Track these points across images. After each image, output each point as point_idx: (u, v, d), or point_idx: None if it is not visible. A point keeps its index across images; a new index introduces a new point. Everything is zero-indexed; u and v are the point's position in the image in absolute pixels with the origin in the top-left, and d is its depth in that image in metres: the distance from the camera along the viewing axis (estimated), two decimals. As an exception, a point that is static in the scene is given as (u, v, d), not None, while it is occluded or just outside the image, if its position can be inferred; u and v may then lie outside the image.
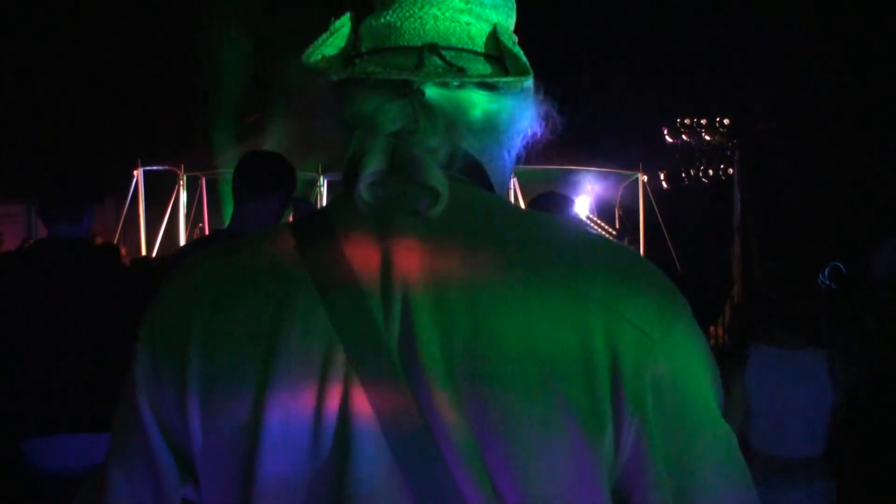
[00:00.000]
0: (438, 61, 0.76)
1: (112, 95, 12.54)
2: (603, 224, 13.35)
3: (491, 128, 0.81)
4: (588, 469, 0.69)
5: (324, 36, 0.81)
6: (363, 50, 0.80)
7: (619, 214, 13.16)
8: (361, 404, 0.70)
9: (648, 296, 0.73)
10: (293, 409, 0.71)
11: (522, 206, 9.88)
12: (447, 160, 0.78)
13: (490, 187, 0.81)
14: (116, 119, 12.56)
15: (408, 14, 0.78)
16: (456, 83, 0.77)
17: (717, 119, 11.37)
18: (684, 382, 0.72)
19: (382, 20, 0.79)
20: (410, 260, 0.72)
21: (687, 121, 11.52)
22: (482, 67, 0.78)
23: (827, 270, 4.55)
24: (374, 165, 0.74)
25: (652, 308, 0.72)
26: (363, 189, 0.74)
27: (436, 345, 0.69)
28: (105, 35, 12.67)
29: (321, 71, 0.79)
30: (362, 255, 0.73)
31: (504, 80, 0.78)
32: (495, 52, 0.79)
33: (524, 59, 0.78)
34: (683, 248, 11.41)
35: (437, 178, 0.73)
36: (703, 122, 11.45)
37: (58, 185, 2.55)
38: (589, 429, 0.68)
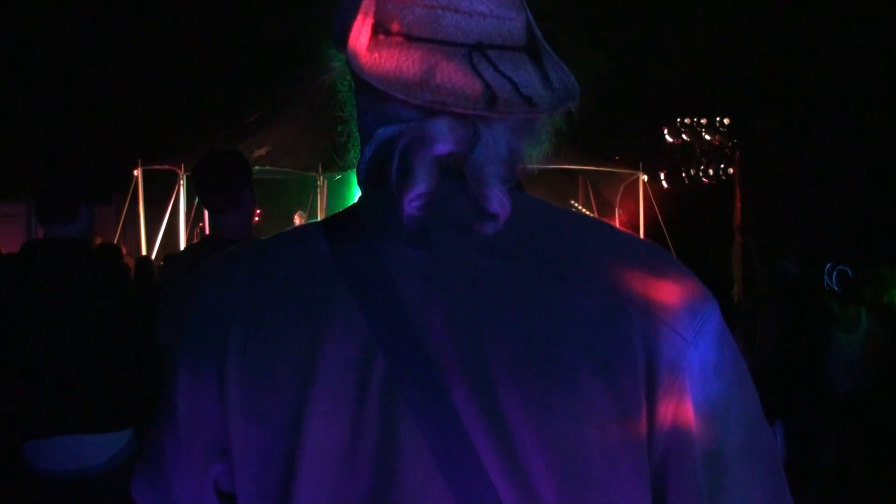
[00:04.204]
0: (491, 70, 0.72)
1: (112, 95, 12.53)
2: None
3: (526, 131, 0.79)
4: (629, 470, 0.70)
5: (358, 18, 0.74)
6: (391, 29, 0.73)
7: (619, 214, 13.17)
8: (403, 413, 0.70)
9: (682, 297, 0.74)
10: (333, 416, 0.71)
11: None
12: (512, 174, 0.76)
13: (522, 188, 0.80)
14: (116, 119, 12.55)
15: (457, 2, 0.73)
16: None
17: (717, 119, 11.37)
18: (717, 380, 0.73)
19: (420, 3, 0.73)
20: (454, 271, 0.72)
21: (687, 121, 11.52)
22: (524, 72, 0.75)
23: (834, 274, 4.56)
24: (424, 186, 0.71)
25: (685, 309, 0.73)
26: (411, 207, 0.71)
27: (478, 356, 0.69)
28: (105, 35, 12.67)
29: (357, 65, 0.72)
30: (403, 264, 0.72)
31: (562, 109, 0.76)
32: (530, 42, 0.77)
33: (565, 66, 0.78)
34: (683, 248, 11.40)
35: (501, 204, 0.71)
36: (703, 122, 11.45)
37: (51, 185, 2.54)
38: (628, 430, 0.70)
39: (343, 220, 0.78)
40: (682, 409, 0.71)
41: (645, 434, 0.71)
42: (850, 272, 4.55)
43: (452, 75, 0.72)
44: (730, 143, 11.33)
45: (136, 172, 10.56)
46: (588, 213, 13.74)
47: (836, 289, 4.59)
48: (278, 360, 0.73)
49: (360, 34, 0.73)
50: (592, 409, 0.69)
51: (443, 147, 0.72)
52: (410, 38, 0.73)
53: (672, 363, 0.71)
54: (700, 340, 0.73)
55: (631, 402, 0.70)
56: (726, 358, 0.75)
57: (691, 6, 10.82)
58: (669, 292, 0.73)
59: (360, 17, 0.74)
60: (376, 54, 0.73)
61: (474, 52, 0.73)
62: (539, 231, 0.75)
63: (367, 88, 0.75)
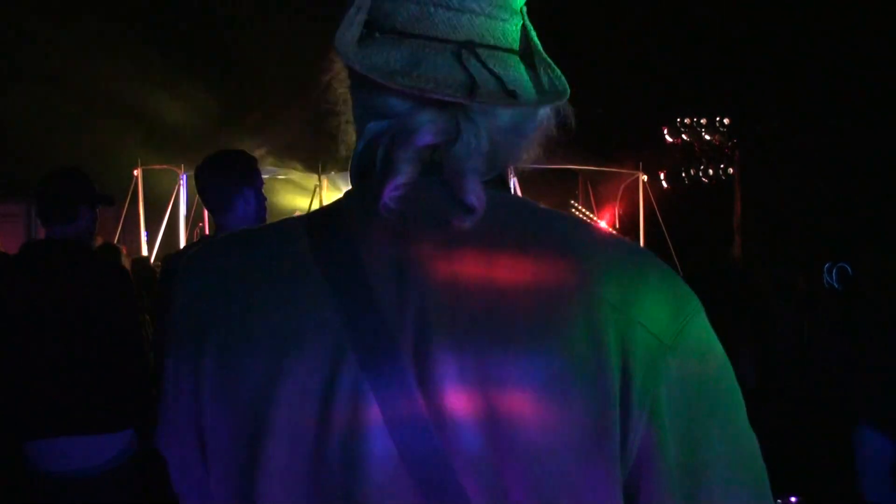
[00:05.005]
0: (478, 66, 0.73)
1: (112, 95, 12.53)
2: (603, 224, 13.36)
3: (515, 131, 0.79)
4: (600, 472, 0.69)
5: (351, 12, 0.75)
6: (386, 26, 0.75)
7: (619, 214, 13.17)
8: (370, 407, 0.69)
9: (662, 299, 0.72)
10: (300, 408, 0.71)
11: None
12: (491, 168, 0.76)
13: (507, 186, 0.80)
14: (116, 119, 12.55)
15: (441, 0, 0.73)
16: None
17: (717, 119, 11.38)
18: (697, 386, 0.72)
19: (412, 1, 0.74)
20: (429, 268, 0.71)
21: (687, 121, 11.53)
22: (514, 71, 0.75)
23: (834, 271, 4.55)
24: (404, 176, 0.72)
25: (665, 311, 0.71)
26: (389, 198, 0.72)
27: (448, 353, 0.69)
28: (105, 35, 12.67)
29: (353, 61, 0.73)
30: (378, 259, 0.73)
31: (548, 104, 0.77)
32: (524, 45, 0.78)
33: (558, 70, 0.77)
34: (683, 248, 11.40)
35: (477, 197, 0.72)
36: (703, 122, 11.46)
37: (50, 186, 2.54)
38: (599, 432, 0.68)
39: (327, 215, 0.78)
40: (657, 415, 0.69)
41: (618, 438, 0.69)
42: (849, 269, 4.54)
43: (437, 67, 0.72)
44: (730, 143, 11.34)
45: (136, 172, 10.57)
46: (588, 212, 13.75)
47: (837, 286, 4.58)
48: (251, 353, 0.73)
49: (352, 26, 0.75)
50: (564, 411, 0.68)
51: (423, 138, 0.72)
52: (403, 34, 0.74)
53: (648, 367, 0.69)
54: (680, 345, 0.71)
55: (604, 406, 0.68)
56: (709, 364, 0.73)
57: (692, 6, 10.82)
58: (648, 294, 0.72)
59: (352, 11, 0.75)
60: (367, 49, 0.74)
61: (464, 48, 0.73)
62: (516, 228, 0.74)
63: (361, 84, 0.76)
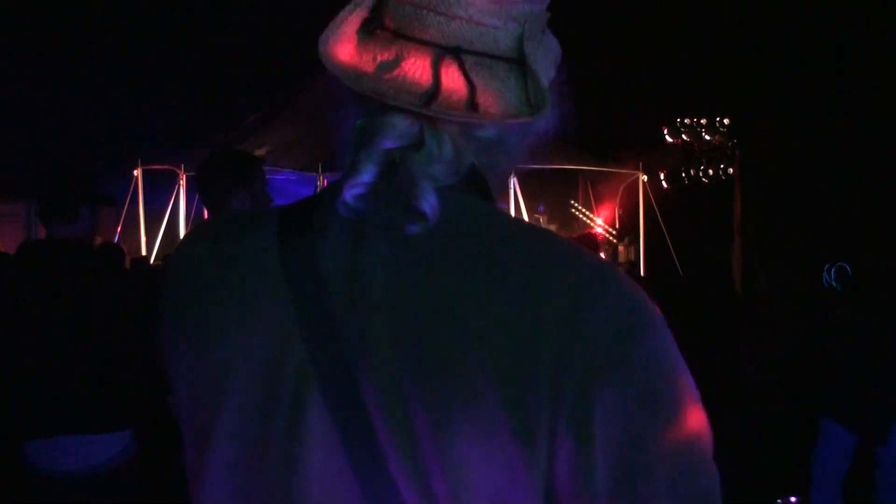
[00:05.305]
0: (456, 74, 0.73)
1: (112, 95, 12.53)
2: (603, 224, 13.37)
3: (501, 143, 0.79)
4: (522, 480, 0.68)
5: (341, 16, 0.77)
6: (385, 24, 0.76)
7: (619, 214, 13.17)
8: (314, 401, 0.72)
9: (610, 316, 0.69)
10: (248, 397, 0.74)
11: (523, 204, 9.95)
12: (450, 175, 0.76)
13: (488, 195, 0.80)
14: (116, 119, 12.56)
15: (437, 3, 0.74)
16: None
17: (717, 119, 11.38)
18: (640, 412, 0.67)
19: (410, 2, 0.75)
20: (378, 271, 0.72)
21: (687, 121, 11.53)
22: (499, 81, 0.75)
23: (833, 271, 4.55)
24: (363, 176, 0.74)
25: (612, 329, 0.68)
26: (349, 196, 0.74)
27: (388, 353, 0.70)
28: (105, 34, 12.67)
29: (335, 66, 0.76)
30: (334, 259, 0.74)
31: (513, 119, 0.75)
32: (517, 55, 0.76)
33: (541, 83, 0.76)
34: (683, 248, 11.41)
35: (429, 204, 0.72)
36: (703, 122, 11.46)
37: (51, 185, 2.54)
38: (523, 441, 0.67)
39: (299, 208, 0.81)
40: (587, 437, 0.66)
41: (545, 449, 0.67)
42: (848, 269, 4.53)
43: (411, 71, 0.74)
44: (730, 143, 11.34)
45: (136, 172, 10.57)
46: (587, 212, 13.75)
47: (836, 286, 4.57)
48: (213, 340, 0.77)
49: (345, 24, 0.77)
50: (491, 422, 0.67)
51: (385, 141, 0.74)
52: (397, 34, 0.75)
53: (583, 386, 0.66)
54: (624, 366, 0.67)
55: (532, 421, 0.66)
56: (658, 389, 0.68)
57: (692, 6, 10.82)
58: (595, 311, 0.69)
59: (349, 7, 0.77)
60: (363, 45, 0.77)
61: (448, 54, 0.73)
62: (468, 237, 0.73)
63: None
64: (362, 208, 0.74)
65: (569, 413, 0.66)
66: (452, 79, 0.73)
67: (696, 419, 0.69)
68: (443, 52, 0.74)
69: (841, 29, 9.81)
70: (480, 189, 0.79)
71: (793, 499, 3.85)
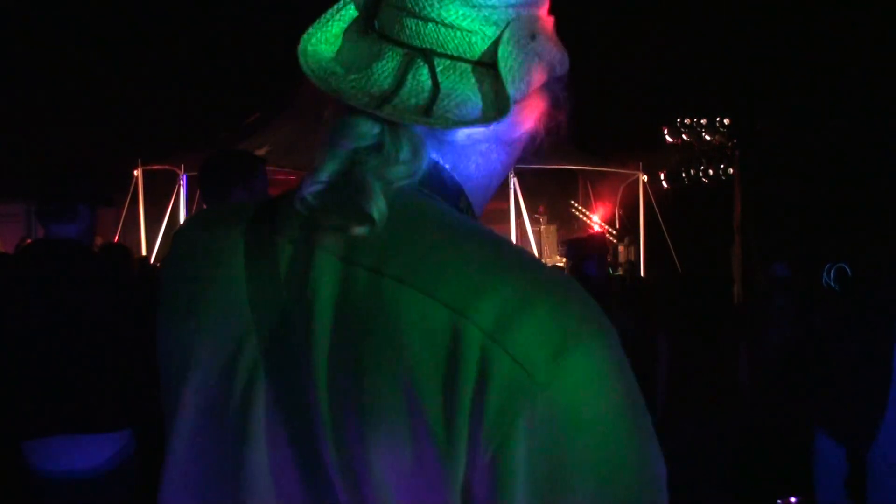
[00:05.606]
0: (425, 76, 0.74)
1: (112, 95, 12.54)
2: (603, 224, 13.37)
3: (473, 147, 0.80)
4: (440, 492, 0.67)
5: (327, 15, 0.80)
6: (373, 25, 0.78)
7: (619, 214, 13.17)
8: (262, 397, 0.75)
9: (545, 330, 0.65)
10: (207, 386, 0.78)
11: (523, 204, 9.94)
12: (407, 176, 0.76)
13: (450, 196, 0.78)
14: (116, 119, 12.56)
15: (412, 5, 0.74)
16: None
17: (717, 119, 11.38)
18: (571, 433, 0.64)
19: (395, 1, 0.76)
20: (326, 272, 0.73)
21: (687, 121, 11.53)
22: (469, 86, 0.75)
23: (833, 271, 4.54)
24: (322, 175, 0.75)
25: (545, 344, 0.65)
26: (307, 192, 0.75)
27: (328, 356, 0.71)
28: (105, 34, 12.67)
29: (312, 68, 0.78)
30: (290, 260, 0.76)
31: (466, 126, 0.75)
32: (490, 59, 0.75)
33: (508, 91, 0.74)
34: (683, 248, 11.41)
35: (377, 207, 0.72)
36: (703, 122, 11.46)
37: (50, 185, 2.54)
38: (443, 453, 0.66)
39: (267, 209, 0.82)
40: (507, 456, 0.64)
41: (462, 462, 0.65)
42: (848, 270, 4.53)
43: (377, 72, 0.75)
44: (730, 143, 11.33)
45: (136, 172, 10.57)
46: (587, 212, 13.75)
47: (835, 287, 4.57)
48: (183, 327, 0.82)
49: (330, 24, 0.80)
50: (412, 432, 0.66)
51: (344, 142, 0.75)
52: (381, 35, 0.77)
53: (506, 401, 0.64)
54: (555, 383, 0.64)
55: (452, 433, 0.65)
56: (594, 410, 0.65)
57: (692, 6, 10.83)
58: (529, 324, 0.65)
59: (336, 8, 0.80)
60: (350, 43, 0.80)
61: (418, 56, 0.74)
62: (412, 240, 0.72)
63: None
64: (317, 206, 0.75)
65: (489, 428, 0.64)
66: (419, 81, 0.74)
67: (631, 447, 0.66)
68: (415, 53, 0.75)
69: (840, 29, 9.81)
70: (440, 190, 0.78)
71: (793, 499, 3.84)
